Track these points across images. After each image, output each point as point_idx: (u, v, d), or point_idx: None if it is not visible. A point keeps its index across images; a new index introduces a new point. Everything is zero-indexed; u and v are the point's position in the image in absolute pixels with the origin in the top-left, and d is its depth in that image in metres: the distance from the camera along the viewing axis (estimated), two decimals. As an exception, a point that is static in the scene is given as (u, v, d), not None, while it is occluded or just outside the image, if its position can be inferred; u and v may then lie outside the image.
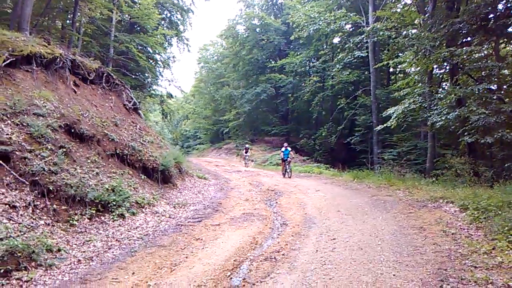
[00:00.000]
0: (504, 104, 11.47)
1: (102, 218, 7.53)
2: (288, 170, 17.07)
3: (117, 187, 8.39)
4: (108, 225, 7.38)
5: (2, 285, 4.70)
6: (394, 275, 4.75)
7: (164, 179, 11.32)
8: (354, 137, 23.26)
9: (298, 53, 29.01)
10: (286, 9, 30.09)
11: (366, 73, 23.38)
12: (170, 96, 24.84)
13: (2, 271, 4.83)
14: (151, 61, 21.80)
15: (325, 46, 28.46)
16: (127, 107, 13.28)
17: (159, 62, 22.86)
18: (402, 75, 22.81)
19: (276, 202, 10.90)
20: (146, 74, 21.73)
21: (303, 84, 28.52)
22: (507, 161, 12.37)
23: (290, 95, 31.23)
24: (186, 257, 6.03)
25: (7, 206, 6.01)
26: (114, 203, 7.94)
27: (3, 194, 6.19)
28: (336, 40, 28.55)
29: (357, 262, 5.30)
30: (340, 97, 25.31)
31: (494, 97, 12.27)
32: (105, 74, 12.83)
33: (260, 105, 31.70)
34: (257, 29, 32.60)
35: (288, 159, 17.10)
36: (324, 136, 25.59)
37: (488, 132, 11.10)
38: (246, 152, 24.31)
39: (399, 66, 17.56)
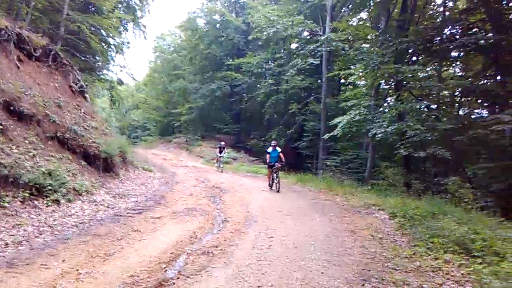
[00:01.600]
0: (439, 123, 12.40)
1: (36, 202, 7.17)
2: (276, 181, 12.47)
3: (54, 172, 8.03)
4: (41, 210, 7.05)
5: None
6: (322, 272, 5.02)
7: (106, 168, 10.97)
8: (302, 142, 23.93)
9: (256, 54, 29.28)
10: (248, 9, 30.18)
11: (318, 81, 24.14)
12: (120, 82, 23.96)
13: None
14: (103, 44, 20.87)
15: (282, 50, 28.96)
16: (73, 89, 12.69)
17: (112, 46, 21.91)
18: (351, 86, 23.80)
19: (221, 199, 10.96)
20: (97, 57, 20.79)
21: (258, 85, 28.78)
22: (438, 176, 13.37)
23: (244, 94, 31.43)
24: (122, 248, 5.93)
25: None
26: (50, 187, 7.60)
27: None
28: (294, 45, 29.21)
29: (290, 259, 5.52)
30: (293, 102, 25.89)
31: (432, 115, 13.23)
32: (52, 52, 12.18)
33: (214, 101, 31.53)
34: (218, 25, 32.44)
35: (277, 164, 12.57)
36: (274, 139, 25.98)
37: (423, 147, 11.94)
38: (220, 152, 19.62)
39: (349, 78, 18.30)
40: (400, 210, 8.23)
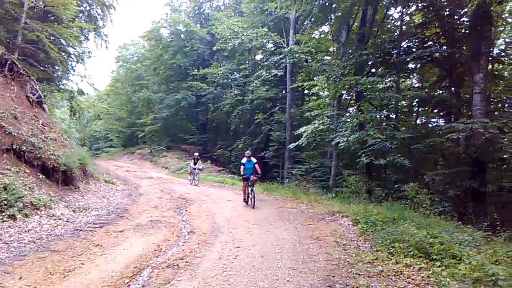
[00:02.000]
0: (398, 132, 12.89)
1: (-10, 218, 6.80)
2: (251, 196, 11.28)
3: (10, 186, 7.67)
4: (-5, 226, 6.69)
5: None
6: (288, 280, 5.05)
7: (65, 181, 10.56)
8: (268, 151, 24.12)
9: (221, 65, 29.41)
10: (212, 20, 30.29)
11: (283, 91, 24.51)
12: (81, 92, 23.21)
13: None
14: (63, 53, 20.24)
15: (247, 61, 29.25)
16: (31, 100, 12.19)
17: (72, 56, 21.25)
18: (315, 97, 24.34)
19: (186, 210, 10.82)
20: (57, 67, 20.09)
21: (224, 95, 28.83)
22: (398, 183, 13.85)
23: (210, 105, 31.29)
24: (82, 263, 5.72)
25: None
26: (5, 202, 7.25)
27: None
28: (258, 57, 29.57)
29: (257, 268, 5.52)
30: (258, 112, 26.10)
31: (391, 125, 13.75)
32: (8, 62, 11.70)
33: (179, 112, 31.20)
34: (182, 35, 32.29)
35: (252, 177, 11.35)
36: (240, 148, 26.07)
37: (383, 155, 12.35)
38: (195, 164, 17.94)
39: (313, 89, 18.71)
40: (362, 217, 8.45)
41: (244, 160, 11.86)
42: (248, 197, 11.39)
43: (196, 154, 19.04)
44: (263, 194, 14.40)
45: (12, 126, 9.57)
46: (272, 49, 25.54)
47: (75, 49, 21.64)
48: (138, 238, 7.41)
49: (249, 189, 11.24)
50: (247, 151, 12.72)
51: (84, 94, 25.17)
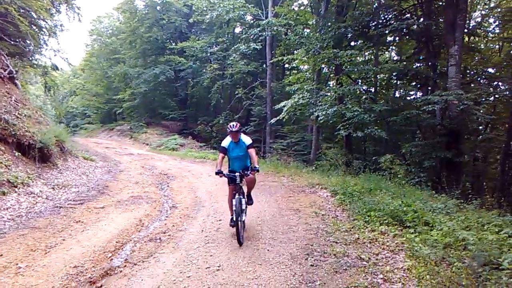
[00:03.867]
0: (375, 104, 13.08)
1: (-35, 197, 6.67)
2: (240, 225, 5.51)
3: (-16, 164, 7.48)
4: (-28, 205, 6.58)
5: None
6: (268, 250, 5.22)
7: (42, 158, 10.36)
8: (250, 126, 24.10)
9: (200, 38, 28.74)
10: (189, -9, 29.43)
11: (263, 65, 24.29)
12: (55, 68, 22.37)
13: None
14: (34, 27, 19.38)
15: (226, 34, 28.71)
16: (2, 76, 11.78)
17: (44, 29, 20.38)
18: (295, 71, 24.25)
19: (168, 186, 10.86)
20: (28, 41, 19.22)
21: (203, 70, 28.35)
22: (376, 155, 14.16)
23: (190, 80, 30.75)
24: (64, 240, 5.75)
25: None
26: (-20, 181, 7.08)
27: None
28: (237, 30, 29.04)
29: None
30: (239, 87, 25.85)
31: (369, 98, 13.92)
32: (-22, 37, 11.19)
33: (158, 87, 30.56)
34: (158, 7, 31.20)
35: (247, 175, 5.80)
36: (222, 124, 25.95)
37: (361, 128, 12.56)
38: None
39: (292, 62, 18.61)
40: (340, 188, 8.67)
41: (227, 142, 5.99)
42: (237, 223, 5.41)
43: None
44: (244, 169, 14.49)
45: (-17, 103, 9.25)
46: (251, 21, 25.08)
47: (46, 22, 20.71)
48: (119, 214, 7.45)
49: (238, 202, 5.53)
50: (233, 123, 5.91)
51: (58, 69, 24.34)
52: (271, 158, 17.77)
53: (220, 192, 9.55)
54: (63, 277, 4.39)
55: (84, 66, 41.37)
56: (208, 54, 28.02)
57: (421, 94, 15.93)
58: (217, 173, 5.62)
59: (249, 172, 5.71)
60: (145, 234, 6.12)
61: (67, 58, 28.11)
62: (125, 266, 4.73)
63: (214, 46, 28.64)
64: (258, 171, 5.71)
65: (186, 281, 4.25)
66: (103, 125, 36.71)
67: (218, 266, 4.64)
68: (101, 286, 4.15)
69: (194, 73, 29.39)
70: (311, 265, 4.66)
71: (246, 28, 24.11)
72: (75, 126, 40.43)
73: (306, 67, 19.52)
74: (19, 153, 9.55)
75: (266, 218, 6.94)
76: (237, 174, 5.65)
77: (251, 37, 21.32)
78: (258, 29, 18.88)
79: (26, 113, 11.17)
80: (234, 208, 5.51)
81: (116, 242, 5.67)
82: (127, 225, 6.62)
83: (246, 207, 5.94)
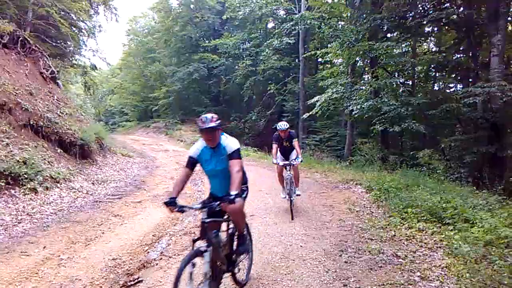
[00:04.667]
0: (413, 98, 12.66)
1: (12, 191, 7.07)
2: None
3: (30, 160, 7.88)
4: (18, 199, 6.96)
5: None
6: (301, 246, 5.17)
7: (83, 154, 10.82)
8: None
9: (232, 35, 28.89)
10: (222, -12, 29.61)
11: (296, 60, 24.10)
12: (94, 67, 23.28)
13: None
14: (74, 28, 20.20)
15: (259, 30, 28.69)
16: (44, 76, 12.34)
17: (83, 31, 21.21)
18: (328, 65, 23.88)
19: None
20: (68, 42, 20.11)
21: (236, 66, 28.51)
22: (413, 150, 13.74)
23: (222, 76, 31.03)
24: (103, 233, 5.97)
25: None
26: (26, 176, 7.47)
27: None
28: (270, 25, 28.94)
29: (271, 235, 5.66)
30: (271, 83, 25.78)
31: (406, 90, 13.49)
32: (20, 39, 11.79)
33: (191, 84, 31.04)
34: (192, 6, 31.68)
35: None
36: (254, 120, 26.03)
37: (398, 122, 12.20)
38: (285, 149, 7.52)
39: (326, 56, 18.32)
40: (376, 184, 8.47)
41: (197, 147, 3.87)
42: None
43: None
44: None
45: (28, 102, 9.73)
46: (284, 16, 24.91)
47: (85, 23, 21.56)
48: (155, 209, 7.64)
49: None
50: (206, 116, 3.67)
51: (97, 69, 25.26)
52: (304, 153, 17.65)
53: (253, 187, 9.51)
54: (102, 268, 4.56)
55: (122, 65, 42.65)
56: (241, 51, 28.14)
57: (461, 86, 15.27)
58: (166, 204, 3.29)
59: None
60: (180, 228, 6.26)
61: (105, 58, 29.28)
62: (161, 259, 4.86)
63: (246, 42, 28.70)
64: (233, 202, 3.09)
65: (220, 274, 4.30)
66: (140, 123, 37.70)
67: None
68: (138, 278, 4.26)
69: (226, 70, 29.60)
70: (345, 262, 4.57)
71: (279, 23, 23.98)
72: (113, 123, 41.80)
73: (340, 60, 19.16)
74: (61, 150, 10.00)
75: (299, 214, 6.89)
76: (214, 204, 3.27)
77: (284, 31, 21.16)
78: (291, 23, 18.71)
79: (67, 112, 11.67)
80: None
81: (153, 235, 5.83)
82: (162, 219, 6.79)
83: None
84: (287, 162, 6.99)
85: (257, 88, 28.34)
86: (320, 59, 23.26)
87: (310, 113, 16.04)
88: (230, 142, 3.62)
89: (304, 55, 20.59)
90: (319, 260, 4.65)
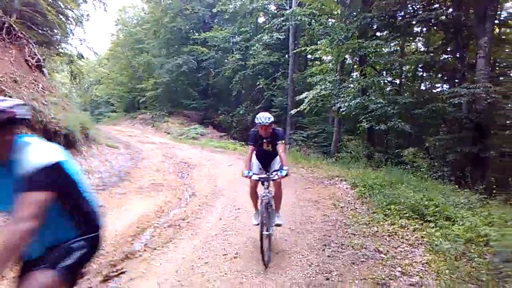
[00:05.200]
0: (400, 96, 12.80)
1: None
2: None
3: (12, 148, 7.73)
4: (-3, 187, 6.82)
5: None
6: (285, 240, 5.23)
7: (67, 144, 10.62)
8: (270, 117, 23.98)
9: (223, 28, 28.71)
10: (213, -19, 29.36)
11: (286, 56, 24.12)
12: (80, 57, 22.88)
13: None
14: (61, 16, 19.82)
15: (249, 24, 28.56)
16: (30, 64, 12.08)
17: (71, 19, 20.83)
18: (318, 61, 23.95)
19: (188, 174, 10.96)
20: (55, 30, 19.69)
21: (225, 60, 28.35)
22: (398, 148, 13.91)
23: (211, 70, 30.83)
24: (86, 223, 5.88)
25: None
26: (7, 165, 7.33)
27: None
28: (261, 20, 28.85)
29: (256, 228, 5.67)
30: (260, 77, 25.75)
31: (393, 89, 13.63)
32: (6, 25, 11.51)
33: (180, 77, 30.78)
34: (182, -3, 31.37)
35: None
36: (242, 114, 25.98)
37: (384, 121, 12.34)
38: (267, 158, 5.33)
39: (316, 53, 18.35)
40: (361, 180, 8.58)
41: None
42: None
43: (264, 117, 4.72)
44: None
45: (12, 90, 9.51)
46: (275, 11, 24.87)
47: (73, 11, 21.18)
48: (140, 200, 7.58)
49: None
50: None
51: (84, 58, 24.85)
52: (291, 149, 17.73)
53: (240, 182, 9.57)
54: (84, 258, 4.51)
55: (109, 56, 42.04)
56: (231, 44, 28.00)
57: (447, 86, 15.49)
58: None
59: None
60: (165, 220, 6.22)
61: (92, 47, 28.52)
62: (145, 250, 4.83)
63: (236, 36, 28.55)
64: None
65: (203, 267, 4.30)
66: (126, 114, 37.30)
67: (236, 254, 4.67)
68: (122, 268, 4.24)
69: (216, 63, 29.43)
70: (328, 256, 4.63)
71: (270, 18, 23.98)
72: (99, 114, 41.23)
73: (329, 57, 19.24)
74: (45, 139, 9.82)
75: (284, 209, 6.86)
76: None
77: (275, 27, 21.13)
78: (282, 18, 18.71)
79: (52, 101, 11.44)
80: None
81: (137, 227, 5.78)
82: (147, 211, 6.74)
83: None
84: (264, 176, 4.67)
85: (246, 82, 28.26)
86: (309, 56, 23.34)
87: (298, 109, 16.08)
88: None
89: (294, 51, 20.59)
90: (302, 254, 4.70)
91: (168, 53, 32.31)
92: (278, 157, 4.87)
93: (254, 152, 5.03)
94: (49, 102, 11.14)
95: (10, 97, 9.16)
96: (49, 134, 10.06)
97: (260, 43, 22.68)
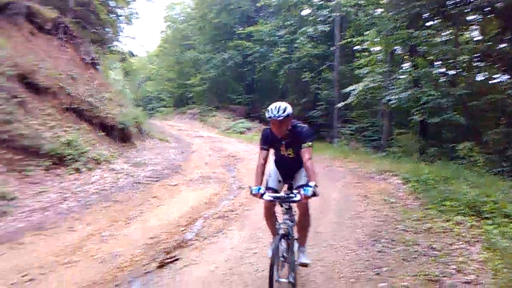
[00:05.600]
0: (454, 88, 12.20)
1: (58, 171, 7.54)
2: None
3: (73, 142, 8.35)
4: (63, 178, 7.42)
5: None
6: (333, 233, 5.24)
7: (123, 138, 11.29)
8: (316, 111, 23.75)
9: (267, 22, 28.70)
10: (256, -25, 29.34)
11: (331, 48, 23.67)
12: (132, 54, 23.98)
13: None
14: (112, 15, 20.82)
15: (293, 17, 28.30)
16: (85, 62, 12.88)
17: (121, 17, 21.85)
18: (366, 53, 23.31)
19: (235, 168, 11.20)
20: (107, 29, 20.76)
21: (270, 54, 28.33)
22: (453, 142, 13.28)
23: (257, 64, 30.97)
24: (142, 213, 6.27)
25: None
26: (70, 157, 7.95)
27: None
28: (305, 12, 28.48)
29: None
30: (306, 70, 25.48)
31: (447, 81, 13.00)
32: (62, 25, 12.31)
33: (226, 72, 31.23)
34: (226, -7, 31.69)
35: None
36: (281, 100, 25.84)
37: (437, 113, 11.82)
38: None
39: (363, 44, 17.86)
40: (413, 175, 8.34)
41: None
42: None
43: (276, 108, 3.38)
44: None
45: (70, 87, 10.21)
46: (319, 3, 24.44)
47: (123, 10, 22.13)
48: (191, 192, 7.91)
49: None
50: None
51: (135, 55, 25.93)
52: (339, 143, 17.49)
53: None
54: (141, 246, 4.83)
55: (159, 52, 43.43)
56: (276, 38, 27.91)
57: (507, 77, 14.49)
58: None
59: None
60: (214, 211, 6.45)
61: (142, 45, 29.85)
62: (196, 239, 5.07)
63: (281, 29, 28.43)
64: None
65: (252, 257, 4.47)
66: (176, 109, 38.39)
67: (281, 244, 4.77)
68: (175, 256, 4.48)
69: (261, 58, 29.50)
70: (378, 251, 4.60)
71: (315, 10, 23.59)
72: (151, 109, 42.77)
73: (377, 48, 18.66)
74: (103, 133, 10.48)
75: (332, 203, 6.93)
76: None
77: (319, 19, 20.80)
78: (327, 10, 18.38)
79: (107, 96, 12.15)
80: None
81: (188, 217, 6.06)
82: (198, 202, 7.02)
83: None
84: (281, 195, 3.48)
85: (292, 75, 28.06)
86: (356, 47, 22.74)
87: (346, 102, 15.81)
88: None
89: (340, 43, 20.20)
90: (351, 249, 4.71)
91: (214, 48, 32.83)
92: (302, 168, 3.53)
93: (273, 158, 3.86)
94: (104, 98, 11.85)
95: (69, 93, 9.85)
96: (106, 128, 10.73)
97: (305, 36, 22.43)
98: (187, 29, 37.47)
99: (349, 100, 15.35)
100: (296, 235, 3.75)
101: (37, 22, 11.15)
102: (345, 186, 8.44)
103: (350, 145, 16.15)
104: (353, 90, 14.89)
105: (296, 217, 3.69)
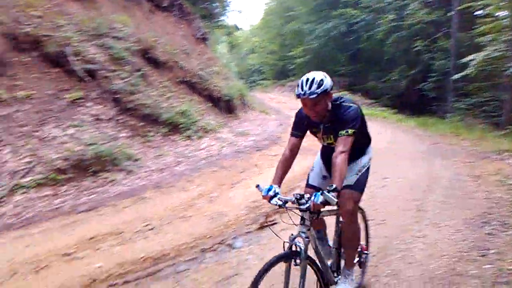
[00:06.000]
0: None
1: (173, 137, 8.42)
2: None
3: (186, 112, 9.16)
4: (177, 144, 8.28)
5: (93, 181, 5.69)
6: (438, 212, 4.98)
7: (227, 109, 11.95)
8: (427, 83, 21.86)
9: (376, -13, 26.87)
10: None
11: (448, 13, 21.29)
12: (237, 28, 24.69)
13: (91, 171, 5.79)
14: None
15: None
16: (196, 37, 13.71)
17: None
18: (489, 18, 20.51)
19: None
20: (215, 4, 21.61)
21: (377, 22, 26.62)
22: None
23: (362, 33, 29.36)
24: (243, 179, 6.71)
25: (93, 117, 6.95)
26: (183, 125, 8.76)
27: (90, 107, 7.12)
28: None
29: (404, 198, 5.60)
30: (418, 39, 23.42)
31: None
32: (177, 2, 13.21)
33: (328, 42, 30.32)
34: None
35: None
36: (394, 80, 24.37)
37: None
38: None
39: (486, 9, 15.66)
40: (539, 157, 7.34)
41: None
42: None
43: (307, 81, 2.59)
44: (418, 129, 13.59)
45: (184, 61, 11.09)
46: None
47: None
48: (289, 163, 8.11)
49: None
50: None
51: (240, 29, 26.62)
52: (452, 118, 16.03)
53: (389, 150, 9.37)
54: (244, 208, 5.33)
55: (262, 25, 43.99)
56: (384, 4, 26.07)
57: None
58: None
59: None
60: (309, 183, 6.58)
61: (247, 18, 30.52)
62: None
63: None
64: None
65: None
66: (277, 81, 38.85)
67: (382, 220, 4.71)
68: (273, 220, 4.82)
69: (367, 26, 27.92)
70: (487, 234, 4.27)
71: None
72: (252, 82, 43.95)
73: (504, 13, 16.24)
74: (210, 104, 11.24)
75: (438, 182, 6.53)
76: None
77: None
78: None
79: (215, 70, 12.90)
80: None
81: (286, 186, 6.27)
82: (296, 172, 7.17)
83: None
84: (289, 197, 2.54)
85: (401, 45, 26.10)
86: (478, 12, 20.08)
87: (463, 73, 14.29)
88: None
89: (459, 8, 18.05)
90: (456, 229, 4.46)
91: (317, 18, 31.95)
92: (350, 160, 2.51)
93: (319, 149, 3.13)
94: (212, 71, 12.61)
95: (182, 67, 10.69)
96: (213, 100, 11.47)
97: (418, 1, 20.49)
98: (290, 0, 37.05)
99: (466, 72, 13.83)
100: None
101: (155, 0, 12.17)
102: (455, 165, 7.82)
103: (464, 121, 14.66)
104: (472, 60, 13.34)
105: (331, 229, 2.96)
